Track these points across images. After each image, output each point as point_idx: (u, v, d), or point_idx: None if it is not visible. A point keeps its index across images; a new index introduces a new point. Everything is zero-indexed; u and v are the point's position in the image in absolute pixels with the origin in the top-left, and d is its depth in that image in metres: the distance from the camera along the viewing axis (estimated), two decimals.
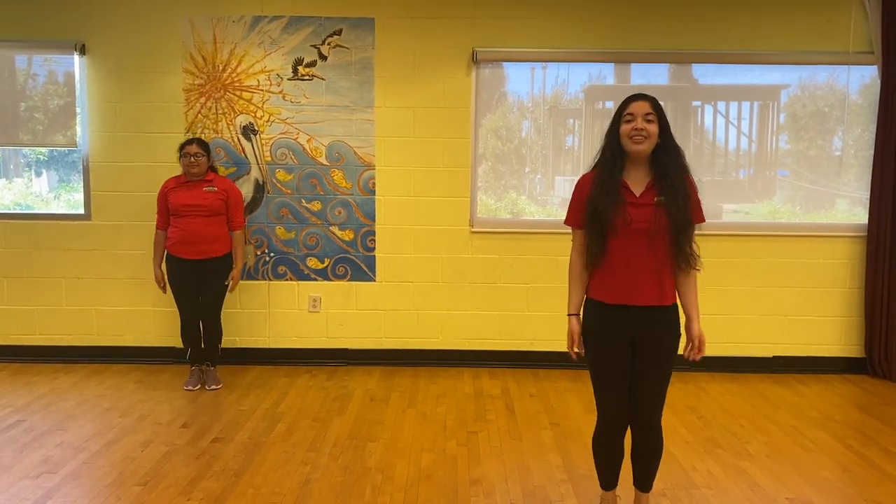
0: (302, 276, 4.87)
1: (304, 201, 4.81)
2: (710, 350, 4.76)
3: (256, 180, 4.79)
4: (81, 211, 4.85)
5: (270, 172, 4.79)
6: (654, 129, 2.37)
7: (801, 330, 4.84)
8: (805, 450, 3.50)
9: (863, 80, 4.76)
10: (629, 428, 2.58)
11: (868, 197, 4.72)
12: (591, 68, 4.80)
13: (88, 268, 4.85)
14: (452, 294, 4.87)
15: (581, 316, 2.58)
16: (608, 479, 2.69)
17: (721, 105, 4.86)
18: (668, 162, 2.40)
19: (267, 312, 4.90)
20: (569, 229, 2.60)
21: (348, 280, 4.87)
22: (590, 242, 2.46)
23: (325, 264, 4.87)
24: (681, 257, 2.41)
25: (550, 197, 4.95)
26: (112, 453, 3.35)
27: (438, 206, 4.82)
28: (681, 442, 3.56)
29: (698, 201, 2.47)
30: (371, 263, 4.86)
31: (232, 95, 4.73)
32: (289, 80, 4.72)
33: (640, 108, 2.38)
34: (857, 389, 4.51)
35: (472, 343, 4.90)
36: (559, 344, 4.67)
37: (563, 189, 4.90)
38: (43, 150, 5.09)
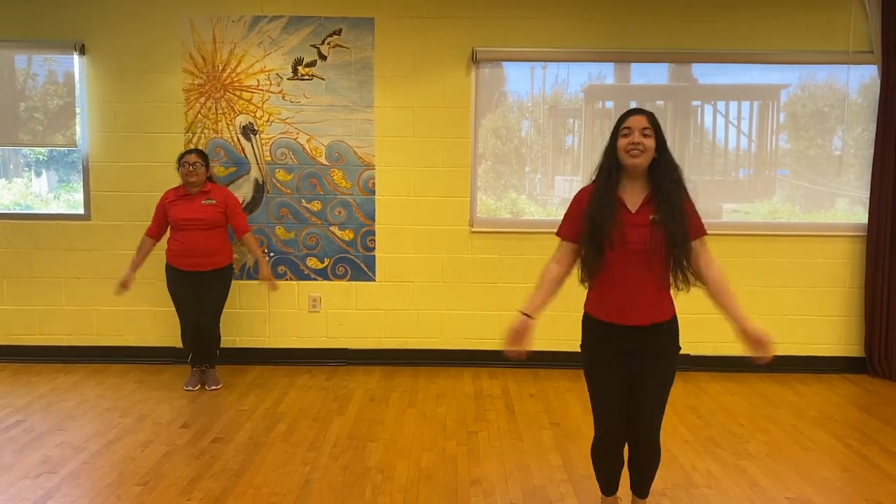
0: (302, 276, 4.87)
1: (303, 201, 4.81)
2: (710, 350, 4.81)
3: (256, 180, 4.79)
4: (81, 211, 4.85)
5: (270, 172, 4.79)
6: (650, 143, 2.38)
7: (801, 329, 4.84)
8: (805, 449, 3.50)
9: (862, 79, 4.76)
10: (628, 441, 2.58)
11: (868, 196, 4.72)
12: (590, 68, 4.80)
13: (88, 268, 4.85)
14: (452, 294, 4.87)
15: (583, 328, 2.56)
16: (608, 487, 2.71)
17: (721, 105, 4.86)
18: (664, 177, 2.41)
19: (267, 312, 4.90)
20: None
21: (348, 280, 4.87)
22: (587, 256, 2.45)
23: (324, 264, 4.87)
24: (678, 276, 2.41)
25: (550, 197, 4.96)
26: (112, 453, 3.35)
27: (438, 205, 4.82)
28: (681, 441, 3.57)
29: (697, 215, 2.45)
30: (371, 263, 4.86)
31: (232, 95, 4.73)
32: (288, 79, 4.72)
33: (638, 122, 2.39)
34: (856, 389, 4.51)
35: (472, 343, 4.90)
36: (559, 344, 4.69)
37: (563, 189, 4.90)
38: (43, 150, 5.09)
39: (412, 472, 3.19)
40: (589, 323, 2.53)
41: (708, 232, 2.49)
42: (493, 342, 4.88)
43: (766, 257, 4.80)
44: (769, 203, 4.91)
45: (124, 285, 4.19)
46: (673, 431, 3.68)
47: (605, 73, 4.86)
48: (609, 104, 4.96)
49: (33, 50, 4.77)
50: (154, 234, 4.28)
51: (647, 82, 4.79)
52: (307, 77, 4.72)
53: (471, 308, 4.88)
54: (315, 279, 4.87)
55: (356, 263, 4.86)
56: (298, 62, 4.71)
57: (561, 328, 4.80)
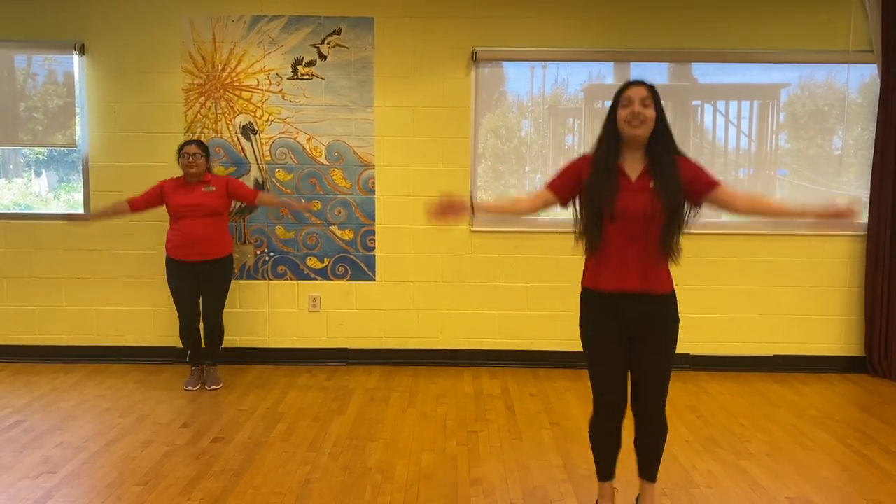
0: (302, 275, 4.87)
1: (303, 201, 4.81)
2: (710, 349, 4.81)
3: (256, 180, 4.79)
4: (81, 211, 4.85)
5: (270, 172, 4.79)
6: (650, 113, 2.39)
7: (800, 329, 4.84)
8: (805, 449, 3.50)
9: (862, 79, 4.75)
10: (633, 419, 2.55)
11: (868, 196, 4.72)
12: (590, 67, 4.80)
13: (88, 268, 4.85)
14: (452, 294, 4.87)
15: (581, 302, 2.56)
16: (605, 469, 2.65)
17: (721, 104, 4.86)
18: (661, 149, 2.41)
19: (267, 312, 4.90)
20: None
21: (348, 280, 4.87)
22: (586, 227, 2.46)
23: (324, 264, 4.87)
24: (665, 245, 2.40)
25: None
26: (112, 453, 3.35)
27: None
28: (681, 441, 3.57)
29: (705, 171, 2.46)
30: (371, 263, 4.86)
31: (231, 95, 4.73)
32: (288, 79, 4.72)
33: (638, 92, 2.40)
34: (856, 388, 4.51)
35: (472, 343, 4.90)
36: (560, 343, 4.70)
37: None
38: (42, 149, 5.09)
39: (412, 471, 3.19)
40: (587, 297, 2.52)
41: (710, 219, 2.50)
42: (493, 342, 4.89)
43: (765, 257, 4.80)
44: None
45: (94, 217, 4.43)
46: (673, 431, 3.66)
47: (605, 73, 4.86)
48: (609, 104, 4.94)
49: (33, 50, 4.77)
50: (136, 204, 4.21)
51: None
52: (307, 77, 4.72)
53: (471, 308, 4.88)
54: (315, 279, 4.87)
55: (356, 263, 4.86)
56: (298, 62, 4.71)
57: (561, 328, 4.82)
